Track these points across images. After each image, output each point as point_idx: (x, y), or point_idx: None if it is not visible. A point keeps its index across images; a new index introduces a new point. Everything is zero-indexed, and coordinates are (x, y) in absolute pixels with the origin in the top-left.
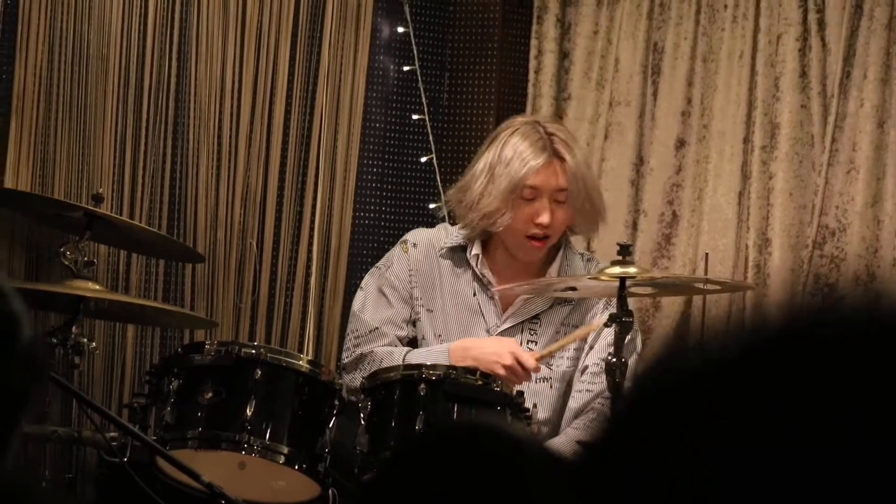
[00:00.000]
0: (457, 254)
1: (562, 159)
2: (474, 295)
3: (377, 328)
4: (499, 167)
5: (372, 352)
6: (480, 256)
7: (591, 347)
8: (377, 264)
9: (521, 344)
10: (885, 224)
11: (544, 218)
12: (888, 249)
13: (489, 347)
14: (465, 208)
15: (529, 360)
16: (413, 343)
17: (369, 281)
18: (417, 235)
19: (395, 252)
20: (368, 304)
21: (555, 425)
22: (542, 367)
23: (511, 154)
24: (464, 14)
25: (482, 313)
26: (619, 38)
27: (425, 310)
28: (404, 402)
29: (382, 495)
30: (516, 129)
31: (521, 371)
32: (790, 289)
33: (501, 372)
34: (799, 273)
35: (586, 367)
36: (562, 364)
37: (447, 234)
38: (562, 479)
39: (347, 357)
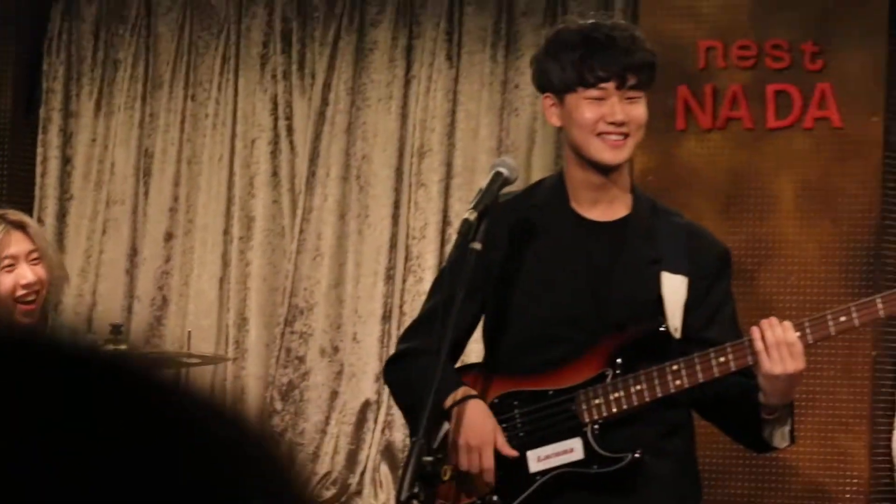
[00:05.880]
0: None
1: (20, 226)
2: None
3: None
4: None
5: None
6: None
7: None
8: None
9: None
10: (346, 303)
11: (28, 277)
12: (349, 325)
13: None
14: None
15: None
16: None
17: None
18: None
19: None
20: None
21: None
22: None
23: None
24: None
25: None
26: (114, 145)
27: None
28: None
29: None
30: None
31: None
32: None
33: None
34: (273, 347)
35: None
36: None
37: None
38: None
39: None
